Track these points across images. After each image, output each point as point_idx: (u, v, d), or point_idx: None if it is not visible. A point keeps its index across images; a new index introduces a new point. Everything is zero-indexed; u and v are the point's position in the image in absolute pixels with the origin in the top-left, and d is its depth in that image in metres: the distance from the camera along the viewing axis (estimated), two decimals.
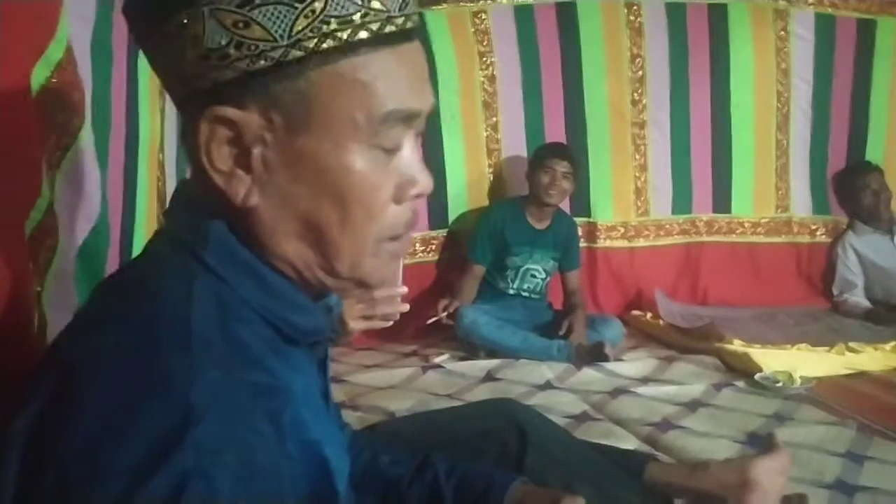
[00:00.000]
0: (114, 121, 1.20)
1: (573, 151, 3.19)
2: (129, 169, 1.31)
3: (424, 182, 0.64)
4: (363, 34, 0.55)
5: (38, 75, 0.94)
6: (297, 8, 0.52)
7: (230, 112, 0.55)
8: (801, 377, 2.39)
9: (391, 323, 1.49)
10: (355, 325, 1.34)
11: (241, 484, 0.49)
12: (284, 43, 0.53)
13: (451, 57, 3.36)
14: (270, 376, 0.56)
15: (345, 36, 0.54)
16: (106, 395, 0.52)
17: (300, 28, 0.53)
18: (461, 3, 3.37)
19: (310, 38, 0.53)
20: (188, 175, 0.65)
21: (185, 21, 0.53)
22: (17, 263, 0.87)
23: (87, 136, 1.05)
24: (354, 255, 0.62)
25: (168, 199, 1.58)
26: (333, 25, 0.54)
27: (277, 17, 0.52)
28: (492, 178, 3.48)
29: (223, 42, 0.52)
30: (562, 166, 3.02)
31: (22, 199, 0.91)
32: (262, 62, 0.53)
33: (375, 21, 0.56)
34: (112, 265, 1.20)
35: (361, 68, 0.56)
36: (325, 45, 0.54)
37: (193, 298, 0.57)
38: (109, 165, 1.19)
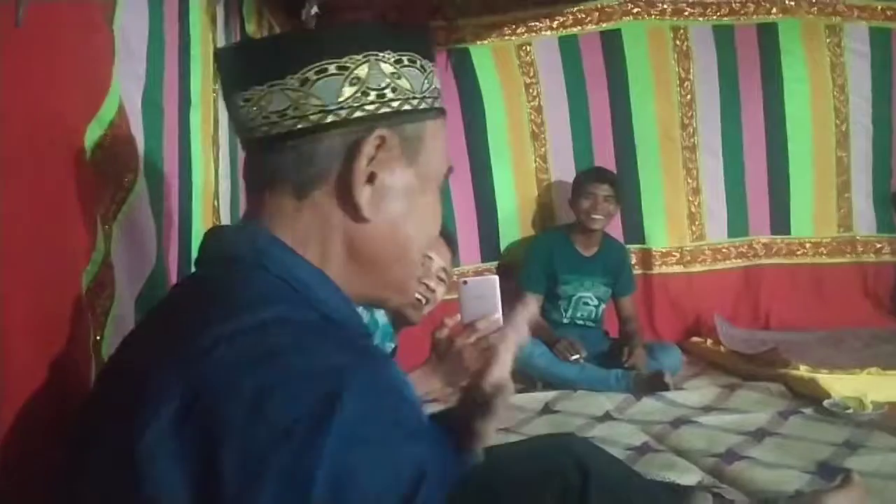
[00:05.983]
0: (167, 173, 1.25)
1: (613, 174, 3.16)
2: (183, 219, 1.35)
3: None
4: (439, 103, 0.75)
5: (92, 134, 0.99)
6: (426, 71, 0.72)
7: (387, 132, 0.68)
8: (871, 402, 2.29)
9: None
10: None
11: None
12: (419, 95, 0.70)
13: (498, 90, 3.40)
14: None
15: (438, 104, 0.73)
16: (253, 416, 0.54)
17: (426, 87, 0.72)
18: (506, 37, 3.40)
19: (433, 96, 0.72)
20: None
21: (349, 65, 0.66)
22: (75, 315, 0.91)
23: (141, 190, 1.10)
24: (407, 285, 0.77)
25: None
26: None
27: (416, 78, 0.70)
28: (542, 208, 3.48)
29: (383, 85, 0.67)
30: (602, 189, 3.00)
31: (78, 254, 0.95)
32: (407, 105, 0.69)
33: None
34: None
35: (441, 128, 0.74)
36: (438, 104, 0.73)
37: (277, 295, 0.64)
38: (164, 216, 1.24)
